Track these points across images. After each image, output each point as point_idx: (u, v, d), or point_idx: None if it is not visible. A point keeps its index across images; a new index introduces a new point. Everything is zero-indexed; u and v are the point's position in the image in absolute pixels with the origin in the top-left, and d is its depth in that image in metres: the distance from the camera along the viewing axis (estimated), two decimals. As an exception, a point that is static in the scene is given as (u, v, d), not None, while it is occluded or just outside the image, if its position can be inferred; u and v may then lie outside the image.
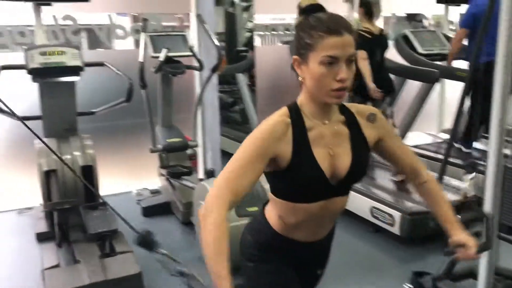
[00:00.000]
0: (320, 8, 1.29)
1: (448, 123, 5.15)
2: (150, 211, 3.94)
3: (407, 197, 3.53)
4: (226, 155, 4.11)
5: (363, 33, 3.77)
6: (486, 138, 2.72)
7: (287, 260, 1.45)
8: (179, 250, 3.29)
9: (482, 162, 3.77)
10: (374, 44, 3.79)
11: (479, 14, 3.74)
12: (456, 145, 4.48)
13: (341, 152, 1.34)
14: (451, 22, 6.36)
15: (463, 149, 4.51)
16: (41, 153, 3.34)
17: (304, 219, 1.37)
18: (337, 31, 1.21)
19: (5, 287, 2.84)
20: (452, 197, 3.58)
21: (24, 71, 3.26)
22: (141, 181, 4.50)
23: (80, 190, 3.37)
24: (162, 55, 3.55)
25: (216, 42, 3.78)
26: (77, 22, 4.20)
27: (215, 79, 4.30)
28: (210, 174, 4.10)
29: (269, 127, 1.29)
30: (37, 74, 3.32)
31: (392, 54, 4.34)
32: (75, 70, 3.43)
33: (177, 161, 3.97)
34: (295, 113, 1.33)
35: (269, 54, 5.00)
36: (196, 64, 3.87)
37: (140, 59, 3.45)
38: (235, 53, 6.21)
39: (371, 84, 3.68)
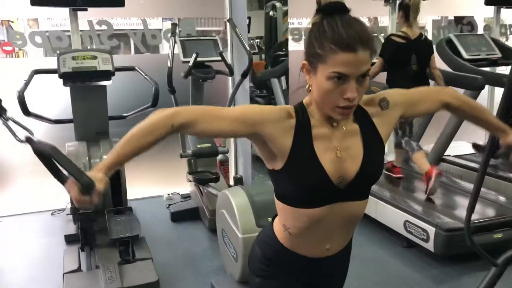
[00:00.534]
0: (341, 9, 1.13)
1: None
2: (178, 216, 3.91)
3: (444, 211, 3.32)
4: (257, 161, 4.03)
5: (395, 38, 3.60)
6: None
7: (295, 278, 1.34)
8: (203, 258, 3.25)
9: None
10: (409, 49, 3.61)
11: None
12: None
13: (351, 153, 1.23)
14: (505, 25, 6.01)
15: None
16: (70, 156, 3.37)
17: (308, 226, 1.25)
18: (351, 47, 1.08)
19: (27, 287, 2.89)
20: (492, 212, 3.36)
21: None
22: (173, 185, 4.50)
23: (107, 194, 3.39)
24: (191, 60, 3.52)
25: (247, 47, 3.71)
26: (113, 27, 4.25)
27: (246, 84, 4.24)
28: (238, 181, 4.05)
29: (270, 107, 1.22)
30: (68, 78, 3.37)
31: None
32: (105, 75, 3.46)
33: (205, 167, 3.92)
34: (301, 111, 1.23)
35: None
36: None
37: (169, 64, 3.43)
38: (274, 57, 6.12)
39: None
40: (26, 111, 3.10)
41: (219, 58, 3.64)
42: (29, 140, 1.09)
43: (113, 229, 2.95)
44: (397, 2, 3.77)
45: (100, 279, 2.50)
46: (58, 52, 3.56)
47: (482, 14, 5.92)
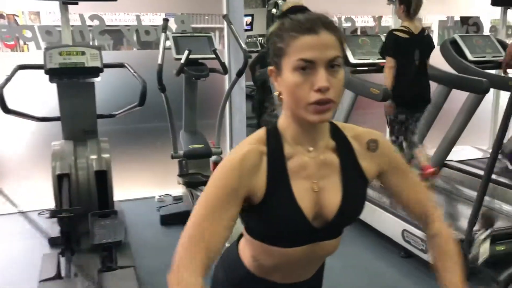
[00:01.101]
0: (303, 9, 1.03)
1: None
2: (168, 220, 3.76)
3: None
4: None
5: (398, 33, 3.43)
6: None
7: None
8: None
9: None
10: (411, 45, 3.43)
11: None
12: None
13: (328, 187, 1.08)
14: (511, 27, 5.84)
15: (510, 166, 4.07)
16: (55, 156, 3.25)
17: (282, 263, 1.12)
18: (311, 28, 0.96)
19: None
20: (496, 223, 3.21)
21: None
22: (166, 186, 4.36)
23: (93, 196, 3.26)
24: (183, 57, 3.37)
25: (243, 45, 3.57)
26: (105, 22, 4.11)
27: (242, 82, 4.10)
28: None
29: (237, 160, 1.02)
30: (54, 74, 3.23)
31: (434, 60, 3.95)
32: (94, 71, 3.32)
33: (198, 169, 3.79)
34: (274, 138, 1.07)
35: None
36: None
37: (159, 61, 3.29)
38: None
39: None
40: (5, 108, 2.96)
41: (212, 55, 3.50)
42: None
43: (96, 234, 2.81)
44: (400, 0, 3.59)
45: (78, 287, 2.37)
46: (44, 47, 3.44)
47: (489, 15, 5.76)
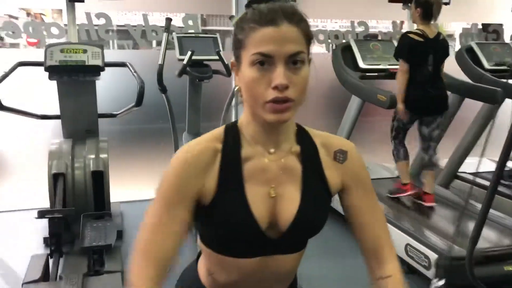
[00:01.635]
0: None
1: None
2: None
3: (451, 236, 3.00)
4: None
5: (412, 35, 3.28)
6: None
7: None
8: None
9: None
10: (426, 49, 3.27)
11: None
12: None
13: (286, 195, 0.98)
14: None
15: None
16: (52, 155, 3.21)
17: (236, 278, 1.02)
18: (272, 20, 0.87)
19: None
20: (505, 240, 3.04)
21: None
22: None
23: (89, 197, 3.20)
24: (186, 58, 3.30)
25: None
26: (112, 20, 4.07)
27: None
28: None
29: (187, 158, 0.95)
30: (54, 72, 3.20)
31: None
32: (94, 70, 3.27)
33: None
34: (232, 136, 0.99)
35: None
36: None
37: (160, 61, 3.22)
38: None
39: (400, 105, 3.24)
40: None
41: (215, 57, 3.41)
42: None
43: (86, 236, 2.75)
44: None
45: (60, 292, 2.30)
46: (46, 44, 3.41)
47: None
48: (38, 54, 3.34)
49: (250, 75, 0.89)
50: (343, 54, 3.85)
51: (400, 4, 4.19)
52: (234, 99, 3.86)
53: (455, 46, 5.51)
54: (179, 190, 0.94)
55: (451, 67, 3.61)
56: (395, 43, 3.63)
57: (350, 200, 1.05)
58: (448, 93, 3.62)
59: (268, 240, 0.97)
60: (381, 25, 6.95)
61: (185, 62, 3.31)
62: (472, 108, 3.88)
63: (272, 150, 0.99)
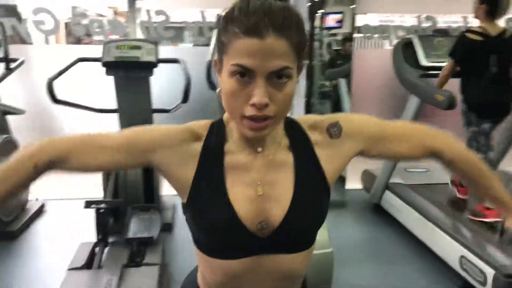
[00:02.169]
0: None
1: None
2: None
3: (510, 250, 2.74)
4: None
5: (470, 35, 3.01)
6: None
7: None
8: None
9: None
10: (486, 48, 3.00)
11: None
12: None
13: (277, 192, 0.92)
14: None
15: None
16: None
17: (227, 281, 0.96)
18: (256, 29, 0.78)
19: (39, 279, 2.86)
20: None
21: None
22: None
23: (139, 189, 3.29)
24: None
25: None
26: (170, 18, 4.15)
27: (301, 81, 3.92)
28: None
29: (170, 129, 0.93)
30: (111, 67, 3.31)
31: None
32: (148, 66, 3.35)
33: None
34: (218, 128, 0.94)
35: (369, 59, 4.42)
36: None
37: (209, 57, 3.22)
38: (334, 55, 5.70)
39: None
40: (54, 99, 3.07)
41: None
42: None
43: (131, 228, 2.82)
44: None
45: (98, 281, 2.37)
46: (105, 40, 3.53)
47: None
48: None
49: (228, 86, 0.83)
50: (404, 50, 3.65)
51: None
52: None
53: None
54: (146, 142, 0.91)
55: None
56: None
57: (379, 154, 1.00)
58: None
59: (259, 240, 0.91)
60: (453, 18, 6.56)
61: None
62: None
63: (259, 149, 0.93)
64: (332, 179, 0.95)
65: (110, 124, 3.67)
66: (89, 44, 5.36)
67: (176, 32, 4.04)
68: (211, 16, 4.18)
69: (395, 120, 1.04)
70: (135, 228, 2.82)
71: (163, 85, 3.92)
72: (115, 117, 3.55)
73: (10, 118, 3.70)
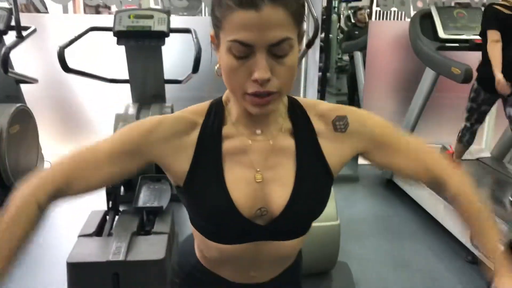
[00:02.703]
0: None
1: None
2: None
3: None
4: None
5: (499, 7, 2.91)
6: None
7: None
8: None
9: None
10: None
11: None
12: None
13: (277, 178, 0.88)
14: None
15: None
16: (118, 117, 3.34)
17: (225, 260, 0.96)
18: (251, 2, 0.73)
19: (50, 245, 2.92)
20: None
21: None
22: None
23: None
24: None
25: (314, 13, 3.30)
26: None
27: (316, 55, 3.85)
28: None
29: (162, 120, 0.89)
30: (122, 37, 3.29)
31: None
32: (159, 35, 3.32)
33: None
34: (215, 113, 0.90)
35: (385, 30, 4.30)
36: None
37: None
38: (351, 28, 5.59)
39: (498, 75, 2.85)
40: (65, 68, 3.06)
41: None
42: None
43: (140, 197, 2.85)
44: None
45: (107, 247, 2.40)
46: (116, 10, 3.50)
47: None
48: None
49: (227, 63, 0.78)
50: (422, 22, 3.55)
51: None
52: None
53: None
54: (134, 144, 0.87)
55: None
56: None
57: (381, 160, 0.94)
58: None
59: (257, 227, 0.89)
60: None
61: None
62: None
63: (258, 132, 0.89)
64: (335, 169, 0.91)
65: (122, 94, 3.70)
66: (108, 14, 5.33)
67: (189, 3, 3.96)
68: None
69: (412, 135, 0.98)
70: (145, 198, 2.84)
71: (177, 55, 3.89)
72: (127, 87, 3.57)
73: (23, 88, 3.73)
